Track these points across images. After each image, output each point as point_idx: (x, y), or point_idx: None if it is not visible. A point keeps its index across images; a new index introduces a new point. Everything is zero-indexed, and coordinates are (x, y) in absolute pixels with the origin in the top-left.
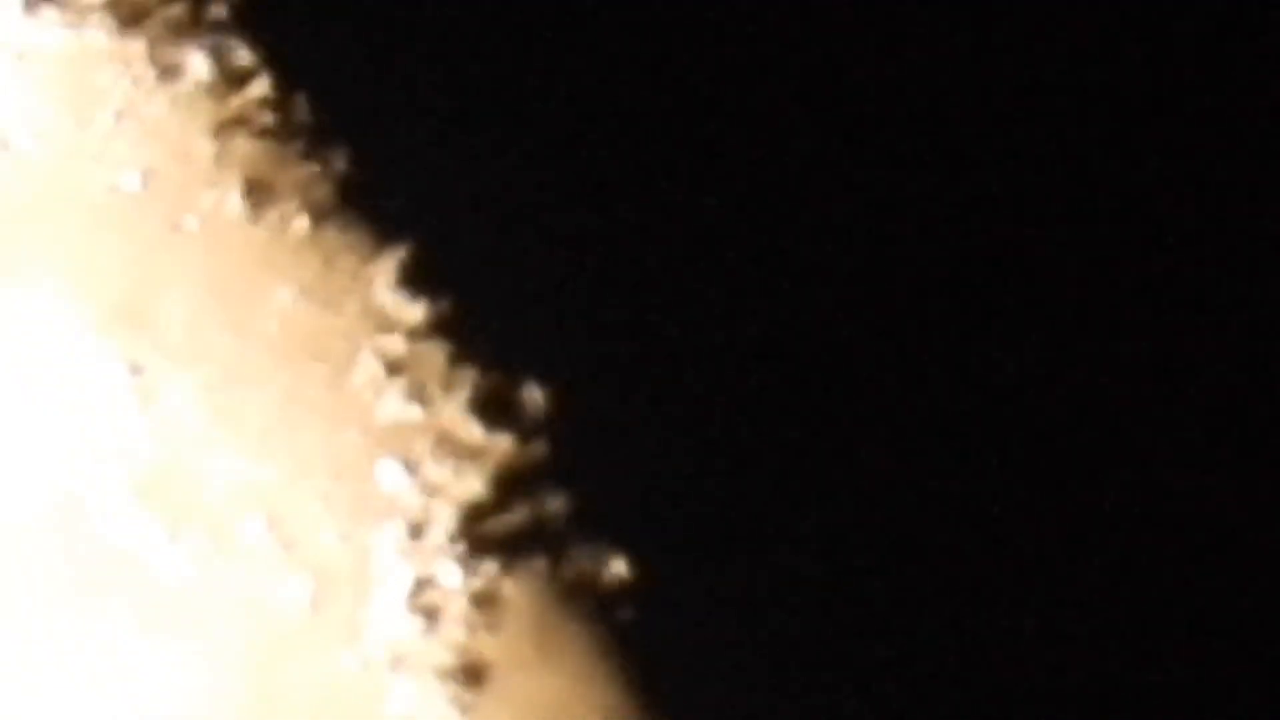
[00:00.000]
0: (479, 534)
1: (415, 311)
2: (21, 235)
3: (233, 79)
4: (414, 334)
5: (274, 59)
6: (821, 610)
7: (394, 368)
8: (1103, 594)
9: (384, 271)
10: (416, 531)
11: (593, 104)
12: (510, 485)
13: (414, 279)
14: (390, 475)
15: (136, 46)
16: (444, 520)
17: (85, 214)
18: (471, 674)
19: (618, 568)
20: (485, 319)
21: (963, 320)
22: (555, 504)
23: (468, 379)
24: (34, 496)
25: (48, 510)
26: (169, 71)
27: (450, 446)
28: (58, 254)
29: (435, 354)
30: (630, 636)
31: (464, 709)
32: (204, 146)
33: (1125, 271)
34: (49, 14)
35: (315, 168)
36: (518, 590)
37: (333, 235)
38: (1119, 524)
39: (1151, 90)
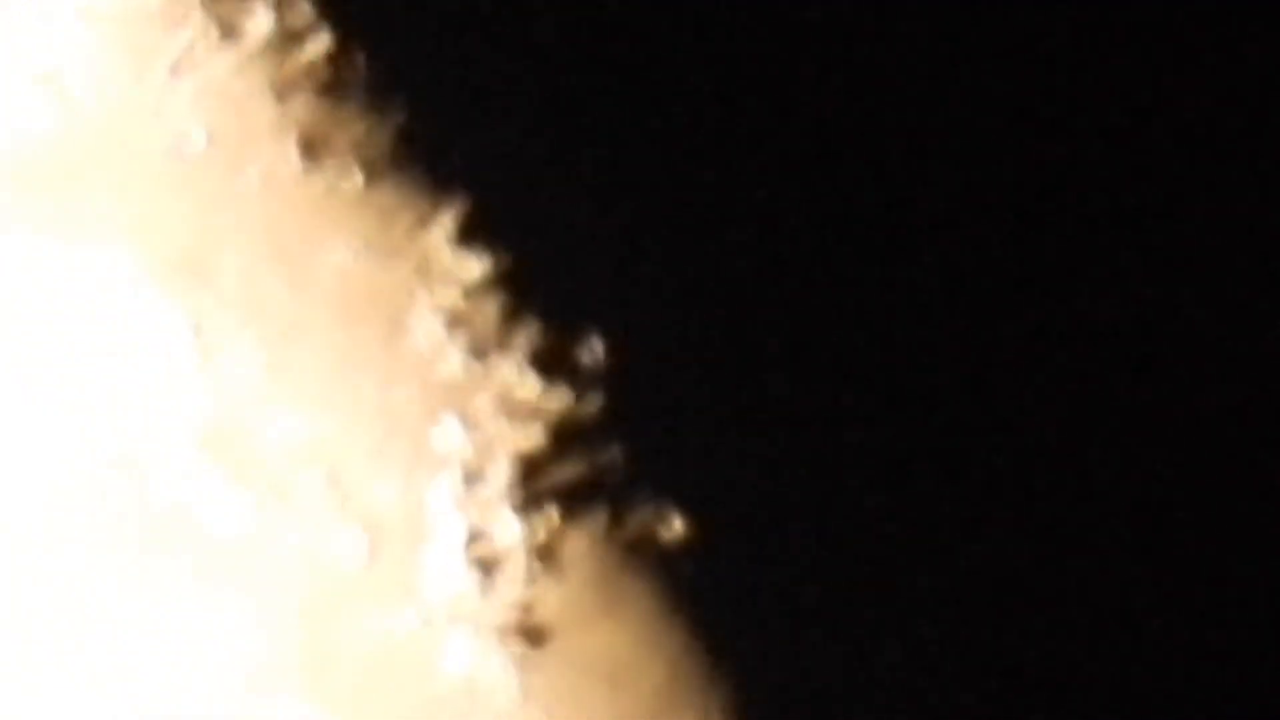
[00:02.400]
0: (537, 488)
1: (473, 266)
2: (83, 191)
3: (292, 36)
4: (471, 289)
5: (332, 16)
6: (881, 564)
7: (451, 322)
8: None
9: (441, 226)
10: (473, 485)
11: (653, 58)
12: (568, 440)
13: (471, 234)
14: (447, 429)
15: (196, 4)
16: (501, 474)
17: (146, 170)
18: (530, 629)
19: (677, 522)
20: (543, 273)
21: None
22: (613, 458)
23: (525, 333)
24: (95, 450)
25: (109, 464)
26: (229, 28)
27: (508, 401)
28: (118, 210)
29: (493, 308)
30: (690, 591)
31: (523, 664)
32: (263, 103)
33: (1125, 270)
34: None
35: (373, 124)
36: (577, 545)
37: (390, 191)
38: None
39: (1155, 93)
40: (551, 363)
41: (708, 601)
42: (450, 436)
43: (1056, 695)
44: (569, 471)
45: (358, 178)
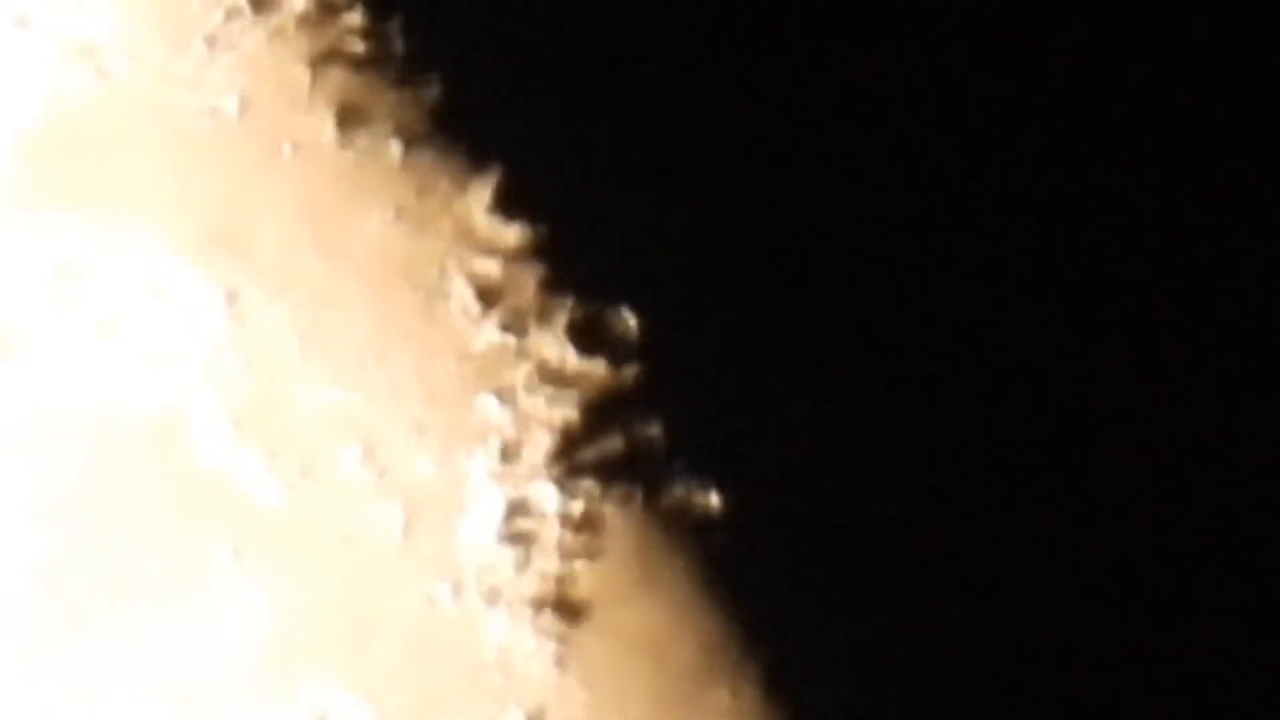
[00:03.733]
0: (574, 461)
1: (509, 238)
2: (119, 161)
3: (327, 8)
4: (508, 260)
5: None
6: (916, 539)
7: (488, 294)
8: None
9: (477, 198)
10: (511, 458)
11: (690, 34)
12: (605, 412)
13: (507, 206)
14: (485, 402)
15: None
16: (539, 447)
17: (181, 141)
18: (567, 603)
19: (713, 496)
20: (579, 246)
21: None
22: (650, 432)
23: (562, 306)
24: (131, 423)
25: (145, 437)
26: (264, 1)
27: (545, 373)
28: (155, 181)
29: (529, 280)
30: (727, 565)
31: (559, 638)
32: (299, 75)
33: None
34: None
35: (408, 95)
36: (613, 519)
37: (426, 162)
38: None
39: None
40: (589, 336)
41: (744, 575)
42: (488, 409)
43: (1084, 665)
44: (607, 445)
45: (394, 149)
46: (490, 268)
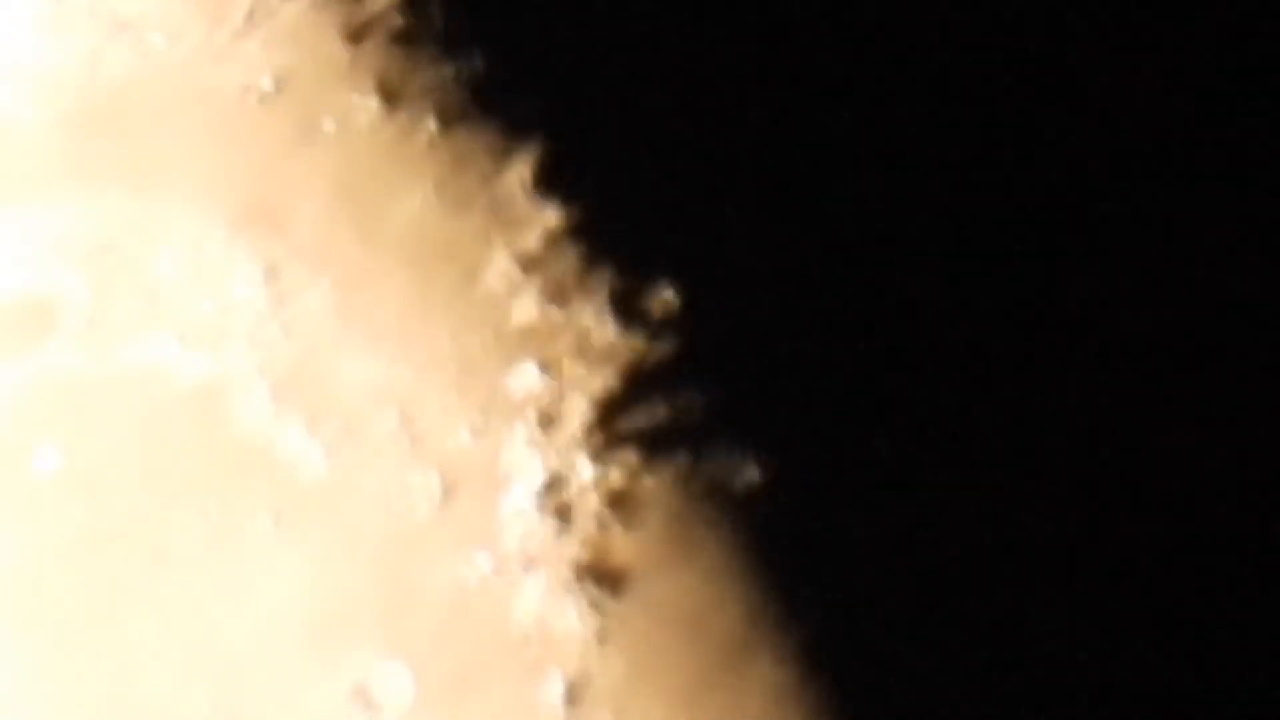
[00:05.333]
0: (613, 433)
1: (549, 213)
2: (155, 136)
3: None
4: (547, 235)
5: None
6: (960, 512)
7: (527, 268)
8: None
9: (517, 173)
10: (549, 430)
11: (726, 16)
12: (645, 384)
13: (547, 181)
14: (523, 374)
15: None
16: (578, 418)
17: (218, 116)
18: (607, 574)
19: (754, 467)
20: (620, 220)
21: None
22: (691, 403)
23: (602, 279)
24: (171, 395)
25: (185, 408)
26: None
27: (584, 346)
28: (191, 155)
29: (569, 255)
30: (769, 537)
31: (599, 609)
32: (337, 49)
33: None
34: None
35: (447, 71)
36: (654, 490)
37: (465, 137)
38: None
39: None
40: (629, 308)
41: (785, 547)
42: (527, 379)
43: (1111, 639)
44: (647, 416)
45: (432, 124)
46: (530, 242)
